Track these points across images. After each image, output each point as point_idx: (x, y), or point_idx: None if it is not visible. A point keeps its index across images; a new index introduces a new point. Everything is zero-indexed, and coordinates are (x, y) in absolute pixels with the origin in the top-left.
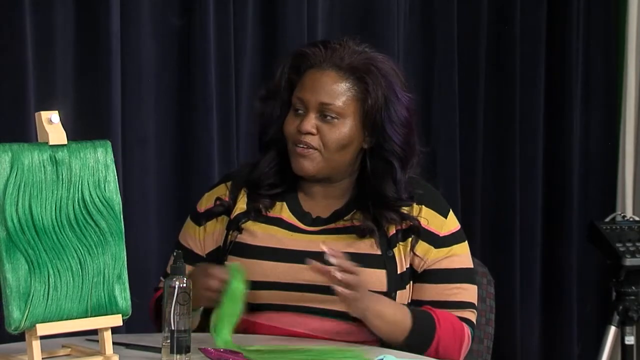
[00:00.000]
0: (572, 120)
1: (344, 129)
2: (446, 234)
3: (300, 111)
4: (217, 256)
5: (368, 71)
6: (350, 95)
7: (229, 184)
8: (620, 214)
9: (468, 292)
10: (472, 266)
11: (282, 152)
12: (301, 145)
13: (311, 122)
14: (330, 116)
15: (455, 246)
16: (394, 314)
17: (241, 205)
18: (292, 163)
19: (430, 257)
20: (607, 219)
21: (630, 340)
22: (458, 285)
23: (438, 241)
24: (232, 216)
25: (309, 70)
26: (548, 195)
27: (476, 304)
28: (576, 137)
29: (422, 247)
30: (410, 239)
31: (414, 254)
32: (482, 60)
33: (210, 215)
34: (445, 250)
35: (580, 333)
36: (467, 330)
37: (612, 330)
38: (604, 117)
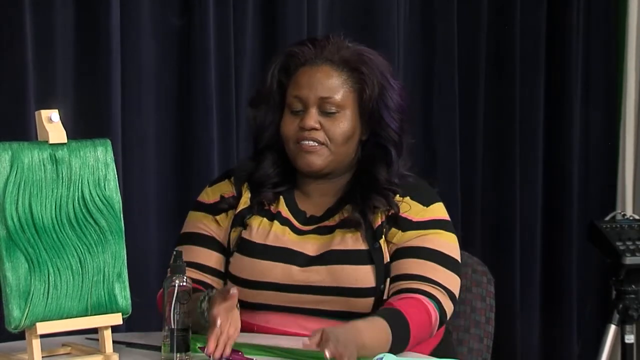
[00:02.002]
0: (572, 120)
1: (346, 121)
2: (420, 220)
3: (298, 110)
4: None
5: (362, 61)
6: (347, 87)
7: (232, 179)
8: (620, 213)
9: (437, 272)
10: (451, 254)
11: (280, 154)
12: (306, 142)
13: (314, 118)
14: (331, 110)
15: (431, 230)
16: (372, 338)
17: (245, 200)
18: (298, 161)
19: (396, 239)
20: (607, 218)
21: (630, 338)
22: (424, 261)
23: (407, 225)
24: (237, 211)
25: (301, 68)
26: (548, 195)
27: (453, 291)
28: (576, 137)
29: (391, 233)
30: (386, 227)
31: (386, 240)
32: (482, 60)
33: (219, 210)
34: (414, 232)
35: (580, 332)
36: (429, 305)
37: (612, 329)
38: (604, 117)
